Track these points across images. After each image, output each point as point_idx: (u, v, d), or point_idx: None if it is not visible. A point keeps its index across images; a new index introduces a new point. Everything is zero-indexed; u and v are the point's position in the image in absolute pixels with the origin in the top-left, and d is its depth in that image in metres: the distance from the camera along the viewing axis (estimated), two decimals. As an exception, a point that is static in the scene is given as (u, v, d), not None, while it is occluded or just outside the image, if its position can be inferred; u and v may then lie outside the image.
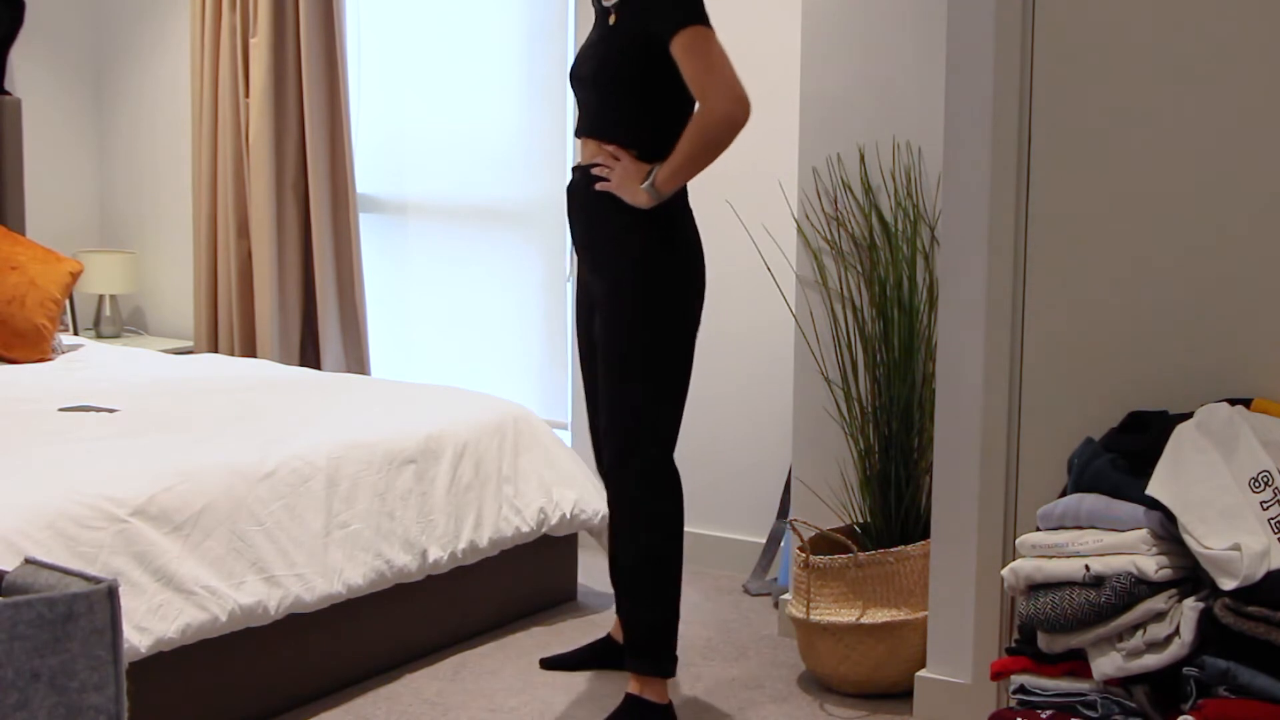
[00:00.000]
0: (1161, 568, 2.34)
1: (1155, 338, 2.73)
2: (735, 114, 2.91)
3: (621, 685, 3.38)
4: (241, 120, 4.93)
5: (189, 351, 5.04)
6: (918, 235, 3.50)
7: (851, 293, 3.55)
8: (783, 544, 3.99)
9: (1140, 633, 2.35)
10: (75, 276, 4.67)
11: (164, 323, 5.53)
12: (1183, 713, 2.26)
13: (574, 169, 3.21)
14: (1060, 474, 2.69)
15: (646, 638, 3.15)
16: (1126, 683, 2.39)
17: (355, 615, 3.31)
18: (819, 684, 3.41)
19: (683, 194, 3.09)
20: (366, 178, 5.02)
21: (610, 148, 3.06)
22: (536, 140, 4.69)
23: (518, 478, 3.76)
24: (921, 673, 3.13)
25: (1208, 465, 2.37)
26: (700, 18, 2.93)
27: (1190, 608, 2.31)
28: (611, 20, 3.07)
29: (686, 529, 3.09)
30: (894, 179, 3.51)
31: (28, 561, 1.57)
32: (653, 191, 3.00)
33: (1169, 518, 2.34)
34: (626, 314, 3.09)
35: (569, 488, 3.84)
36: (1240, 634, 2.22)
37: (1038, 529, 2.59)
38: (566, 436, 4.54)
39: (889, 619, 3.29)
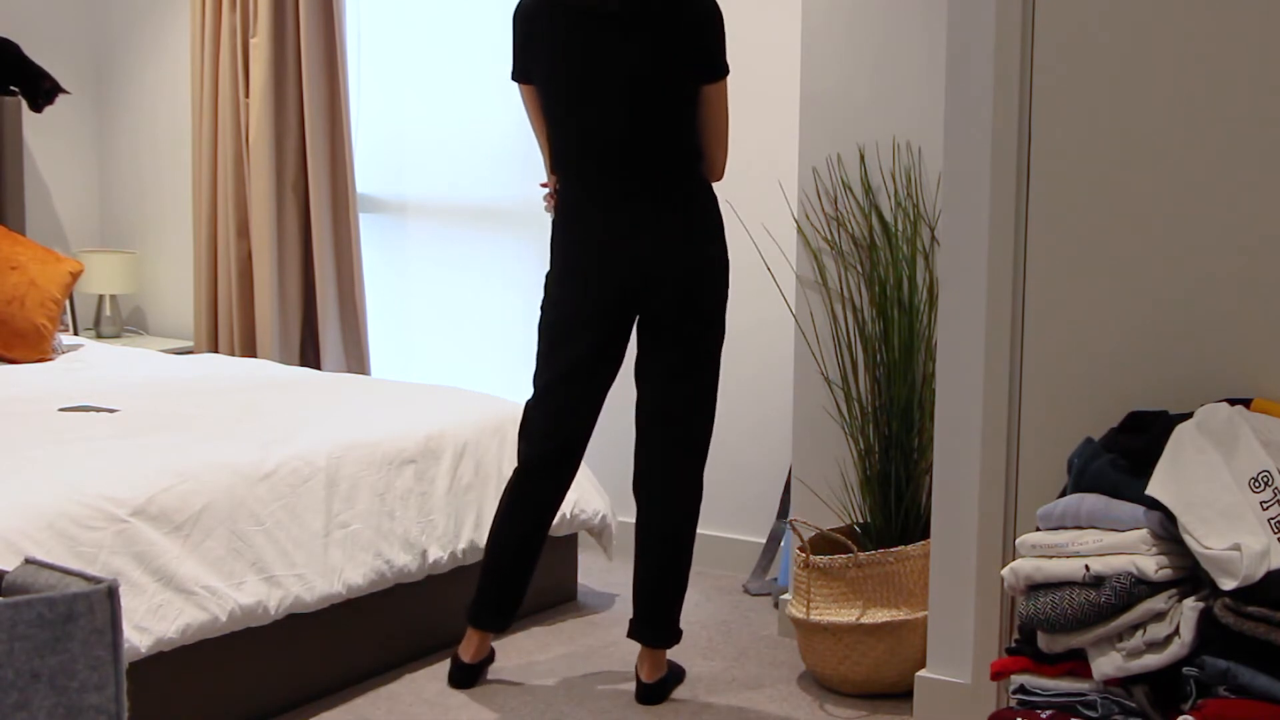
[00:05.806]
0: (1161, 568, 2.34)
1: (1155, 338, 2.73)
2: None
3: (623, 689, 3.38)
4: (241, 120, 4.93)
5: (189, 351, 5.04)
6: (918, 235, 3.50)
7: (851, 293, 3.55)
8: (783, 544, 3.99)
9: (1140, 633, 2.35)
10: (75, 276, 4.66)
11: (164, 323, 5.53)
12: (1183, 713, 2.25)
13: None
14: (1060, 474, 2.69)
15: None
16: (1126, 683, 2.39)
17: (355, 615, 3.31)
18: (819, 684, 3.41)
19: (563, 207, 3.44)
20: (366, 178, 5.02)
21: None
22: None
23: (518, 478, 3.75)
24: (921, 673, 3.13)
25: (1208, 465, 2.36)
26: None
27: (1190, 608, 2.30)
28: None
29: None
30: (894, 179, 3.51)
31: (28, 561, 1.57)
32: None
33: (1169, 518, 2.34)
34: None
35: (569, 488, 3.82)
36: (1240, 634, 2.22)
37: (1038, 529, 2.58)
38: (566, 436, 4.53)
39: (889, 619, 3.29)
